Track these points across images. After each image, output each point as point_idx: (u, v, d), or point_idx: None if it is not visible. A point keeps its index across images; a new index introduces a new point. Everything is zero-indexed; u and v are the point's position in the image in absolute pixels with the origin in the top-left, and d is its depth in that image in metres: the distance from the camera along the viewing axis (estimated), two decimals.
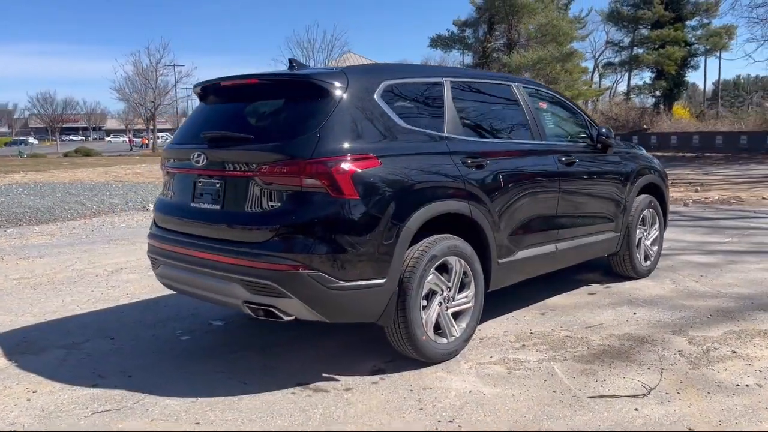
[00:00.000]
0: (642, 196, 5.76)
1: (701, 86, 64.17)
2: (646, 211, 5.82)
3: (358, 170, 3.44)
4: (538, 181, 4.58)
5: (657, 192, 6.02)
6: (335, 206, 3.37)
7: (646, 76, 41.38)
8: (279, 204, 3.44)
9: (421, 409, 3.29)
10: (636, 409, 3.21)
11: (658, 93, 38.22)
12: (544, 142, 4.77)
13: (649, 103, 39.40)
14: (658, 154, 24.44)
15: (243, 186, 3.59)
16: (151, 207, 11.98)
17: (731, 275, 5.96)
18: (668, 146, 30.61)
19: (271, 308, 3.47)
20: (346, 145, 3.48)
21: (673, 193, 11.44)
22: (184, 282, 3.91)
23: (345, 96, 3.58)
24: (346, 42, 79.05)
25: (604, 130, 5.27)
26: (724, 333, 4.34)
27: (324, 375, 3.75)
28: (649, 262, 5.97)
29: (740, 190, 13.63)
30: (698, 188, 14.12)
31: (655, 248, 6.07)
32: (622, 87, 54.01)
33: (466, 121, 4.27)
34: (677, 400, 3.31)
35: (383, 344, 3.93)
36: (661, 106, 37.38)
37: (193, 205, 3.86)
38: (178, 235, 3.95)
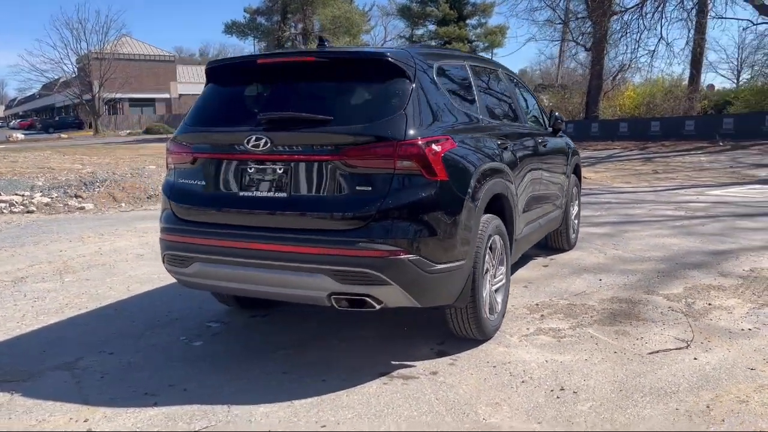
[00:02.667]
0: (572, 176, 6.36)
1: None
2: (573, 188, 6.44)
3: (445, 152, 3.41)
4: (534, 162, 4.87)
5: (578, 171, 6.68)
6: (430, 188, 3.31)
7: None
8: (370, 188, 3.27)
9: (523, 382, 3.39)
10: (695, 359, 3.64)
11: None
12: (529, 125, 5.08)
13: None
14: None
15: (320, 171, 3.34)
16: None
17: (636, 242, 6.84)
18: None
19: (364, 297, 3.31)
20: (430, 127, 3.43)
21: None
22: (236, 279, 3.52)
23: (417, 76, 3.51)
24: (123, 24, 73.10)
25: (557, 114, 5.74)
26: (684, 290, 5.02)
27: (393, 363, 3.66)
28: (575, 235, 6.62)
29: None
30: None
31: (576, 222, 6.74)
32: None
33: (486, 104, 4.40)
34: (715, 347, 3.81)
35: (410, 329, 3.96)
36: None
37: (243, 193, 3.50)
38: (220, 227, 3.55)
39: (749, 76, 34.35)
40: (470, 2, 40.78)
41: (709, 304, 4.63)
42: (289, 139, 3.37)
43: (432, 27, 41.67)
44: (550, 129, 5.75)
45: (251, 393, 3.30)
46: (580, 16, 28.00)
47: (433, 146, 3.34)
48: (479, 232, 3.71)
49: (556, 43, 29.52)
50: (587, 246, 6.67)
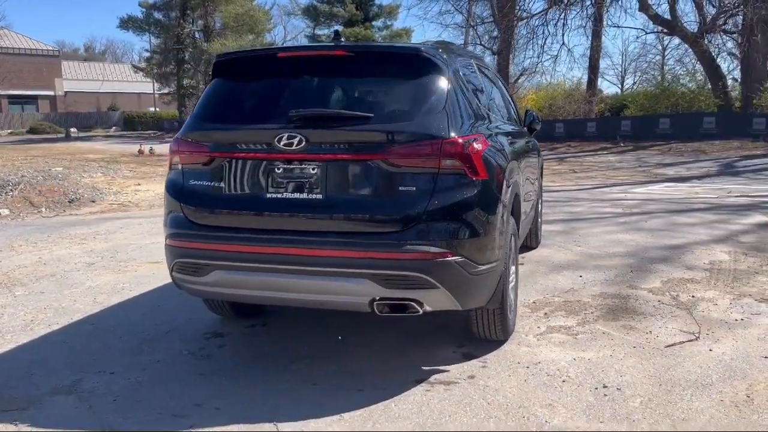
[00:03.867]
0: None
1: None
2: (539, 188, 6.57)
3: (484, 150, 3.35)
4: (527, 162, 4.91)
5: (542, 170, 6.81)
6: (473, 188, 3.23)
7: None
8: (413, 188, 3.15)
9: (563, 381, 3.37)
10: (710, 350, 3.77)
11: None
12: (518, 125, 5.10)
13: None
14: None
15: (359, 170, 3.19)
16: None
17: (594, 239, 7.07)
18: None
19: (409, 302, 3.17)
20: (465, 125, 3.34)
21: None
22: (264, 287, 3.28)
23: (450, 73, 3.42)
24: (3, 15, 67.65)
25: (534, 114, 5.80)
26: (662, 283, 5.22)
27: (424, 368, 3.55)
28: (540, 233, 6.74)
29: None
30: None
31: (540, 220, 6.87)
32: None
33: (493, 103, 4.37)
34: (722, 338, 3.96)
35: (420, 332, 3.90)
36: None
37: (271, 195, 3.27)
38: (245, 231, 3.30)
39: (632, 82, 36.88)
40: (376, 4, 41.00)
41: (693, 297, 4.83)
42: (326, 137, 3.18)
43: (338, 27, 41.50)
44: (525, 128, 5.81)
45: (291, 408, 3.09)
46: (487, 20, 28.86)
47: (474, 145, 3.26)
48: (507, 231, 3.67)
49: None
50: (551, 243, 6.81)
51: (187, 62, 45.52)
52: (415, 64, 3.36)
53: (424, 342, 3.96)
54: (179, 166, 3.54)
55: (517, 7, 26.47)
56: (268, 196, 3.28)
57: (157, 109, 57.99)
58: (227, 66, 3.62)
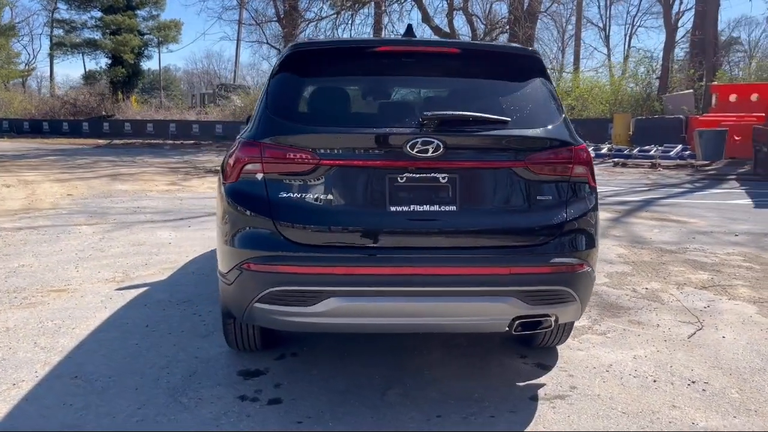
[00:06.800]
0: None
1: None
2: None
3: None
4: None
5: None
6: (592, 196, 3.19)
7: (103, 61, 39.89)
8: (550, 197, 3.01)
9: (654, 381, 3.50)
10: (724, 337, 4.19)
11: (116, 79, 37.53)
12: None
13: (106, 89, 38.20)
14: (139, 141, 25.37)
15: (495, 179, 2.95)
16: None
17: None
18: (144, 133, 31.23)
19: (544, 318, 3.01)
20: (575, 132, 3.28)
21: None
22: (391, 313, 2.86)
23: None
24: None
25: None
26: (607, 277, 5.66)
27: (520, 384, 3.43)
28: None
29: None
30: None
31: None
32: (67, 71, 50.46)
33: None
34: (718, 326, 4.41)
35: (468, 346, 3.83)
36: (120, 94, 37.02)
37: (395, 208, 2.86)
38: (364, 251, 2.85)
39: None
40: None
41: (647, 289, 5.32)
42: (464, 142, 2.88)
43: (96, 13, 37.65)
44: None
45: None
46: (272, 19, 28.49)
47: (590, 153, 3.22)
48: None
49: (250, 44, 29.50)
50: None
51: None
52: (530, 66, 3.21)
53: (481, 356, 3.79)
54: (258, 176, 2.91)
55: (305, 8, 26.57)
56: (392, 209, 2.86)
57: None
58: (308, 59, 3.07)
